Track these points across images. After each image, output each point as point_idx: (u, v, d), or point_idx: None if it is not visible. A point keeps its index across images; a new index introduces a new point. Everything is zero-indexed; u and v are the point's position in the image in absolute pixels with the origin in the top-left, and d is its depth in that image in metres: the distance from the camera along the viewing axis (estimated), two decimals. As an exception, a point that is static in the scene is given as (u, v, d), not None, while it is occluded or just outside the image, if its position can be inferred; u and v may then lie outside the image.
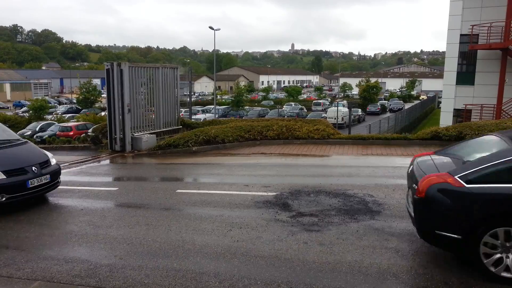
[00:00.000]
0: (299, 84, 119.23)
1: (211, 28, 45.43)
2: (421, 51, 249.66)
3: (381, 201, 7.20)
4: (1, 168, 7.10)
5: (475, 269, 4.48)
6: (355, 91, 78.17)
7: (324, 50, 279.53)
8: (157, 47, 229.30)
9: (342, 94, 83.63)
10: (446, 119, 21.27)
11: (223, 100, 63.18)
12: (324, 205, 7.08)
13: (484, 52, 21.46)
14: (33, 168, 7.44)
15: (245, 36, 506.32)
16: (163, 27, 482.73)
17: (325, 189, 8.10)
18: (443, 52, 22.66)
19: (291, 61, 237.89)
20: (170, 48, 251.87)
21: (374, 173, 9.60)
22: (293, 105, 54.08)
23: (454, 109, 21.77)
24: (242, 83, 67.10)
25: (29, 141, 8.66)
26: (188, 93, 36.95)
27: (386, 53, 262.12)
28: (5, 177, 7.04)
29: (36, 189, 7.41)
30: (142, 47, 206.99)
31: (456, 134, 12.59)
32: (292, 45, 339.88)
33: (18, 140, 8.38)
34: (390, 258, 4.98)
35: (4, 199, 6.96)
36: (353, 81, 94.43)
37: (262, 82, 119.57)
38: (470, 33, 21.14)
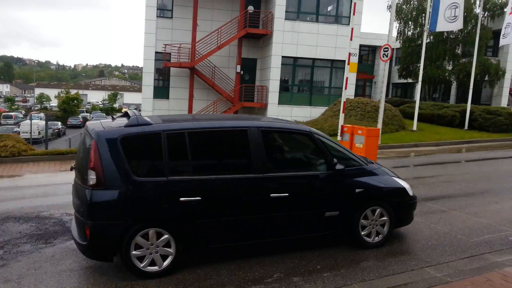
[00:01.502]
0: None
1: None
2: (122, 65, 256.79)
3: (81, 219, 6.79)
4: None
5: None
6: (54, 102, 72.73)
7: (15, 56, 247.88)
8: None
9: (39, 105, 76.18)
10: (146, 131, 22.44)
11: None
12: (12, 234, 6.09)
13: (176, 70, 23.90)
14: None
15: None
16: None
17: (15, 215, 7.01)
18: (142, 68, 23.90)
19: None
20: None
21: (74, 189, 9.01)
22: (-25, 118, 45.30)
23: (153, 121, 23.23)
24: None
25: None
26: None
27: (87, 64, 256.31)
28: None
29: None
30: None
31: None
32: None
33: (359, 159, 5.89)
34: (89, 278, 4.71)
35: None
36: (52, 92, 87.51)
37: None
38: (164, 51, 23.12)
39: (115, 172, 4.50)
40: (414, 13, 30.21)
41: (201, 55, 23.04)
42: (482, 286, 4.49)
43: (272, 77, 22.60)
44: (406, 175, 10.41)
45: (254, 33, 23.03)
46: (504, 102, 30.94)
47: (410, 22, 30.91)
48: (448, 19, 18.55)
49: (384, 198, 5.64)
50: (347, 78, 10.58)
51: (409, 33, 31.28)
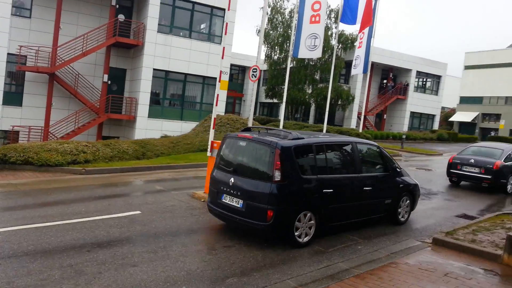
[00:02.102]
0: None
1: None
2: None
3: None
4: None
5: None
6: None
7: None
8: None
9: None
10: (-9, 141, 19.61)
11: None
12: None
13: (32, 75, 21.50)
14: None
15: None
16: None
17: None
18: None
19: None
20: None
21: None
22: None
23: (1, 130, 20.49)
24: None
25: None
26: None
27: None
28: None
29: None
30: None
31: (0, 157, 11.75)
32: None
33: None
34: None
35: None
36: None
37: None
38: (19, 53, 20.63)
39: (291, 171, 6.45)
40: (280, 39, 32.47)
41: (63, 61, 21.17)
42: (336, 294, 4.88)
43: (143, 89, 21.85)
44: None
45: (124, 42, 22.05)
46: (353, 124, 34.97)
47: (276, 47, 33.11)
48: (309, 48, 20.25)
49: (410, 191, 8.48)
50: (217, 95, 10.73)
51: (275, 57, 33.47)
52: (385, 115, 40.27)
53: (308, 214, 6.61)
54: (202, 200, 9.05)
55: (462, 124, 57.93)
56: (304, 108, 37.24)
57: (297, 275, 5.41)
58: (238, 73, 45.31)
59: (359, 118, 35.28)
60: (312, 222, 6.70)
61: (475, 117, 57.10)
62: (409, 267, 5.88)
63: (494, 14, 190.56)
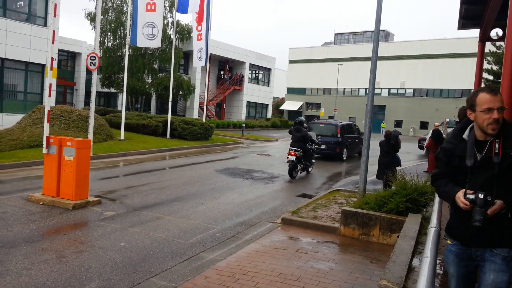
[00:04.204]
0: None
1: None
2: None
3: None
4: None
5: None
6: None
7: None
8: None
9: None
10: None
11: None
12: None
13: None
14: None
15: None
16: None
17: None
18: None
19: None
20: None
21: None
22: None
23: None
24: None
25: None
26: None
27: None
28: None
29: None
30: None
31: None
32: None
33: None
34: None
35: None
36: None
37: None
38: None
39: (342, 133, 18.20)
40: (113, 25, 30.63)
41: None
42: (202, 284, 4.89)
43: None
44: (120, 185, 10.34)
45: None
46: (195, 114, 35.46)
47: (109, 33, 31.15)
48: (147, 36, 19.64)
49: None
50: (50, 84, 9.56)
51: (109, 44, 31.48)
52: (224, 105, 41.88)
53: (345, 148, 17.98)
54: (41, 203, 8.00)
55: (290, 112, 64.13)
56: (144, 98, 36.07)
57: (160, 271, 5.25)
58: (67, 59, 41.24)
59: (200, 108, 35.90)
60: (345, 151, 18.03)
61: (301, 106, 63.83)
62: (265, 248, 6.27)
63: (317, 14, 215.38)
